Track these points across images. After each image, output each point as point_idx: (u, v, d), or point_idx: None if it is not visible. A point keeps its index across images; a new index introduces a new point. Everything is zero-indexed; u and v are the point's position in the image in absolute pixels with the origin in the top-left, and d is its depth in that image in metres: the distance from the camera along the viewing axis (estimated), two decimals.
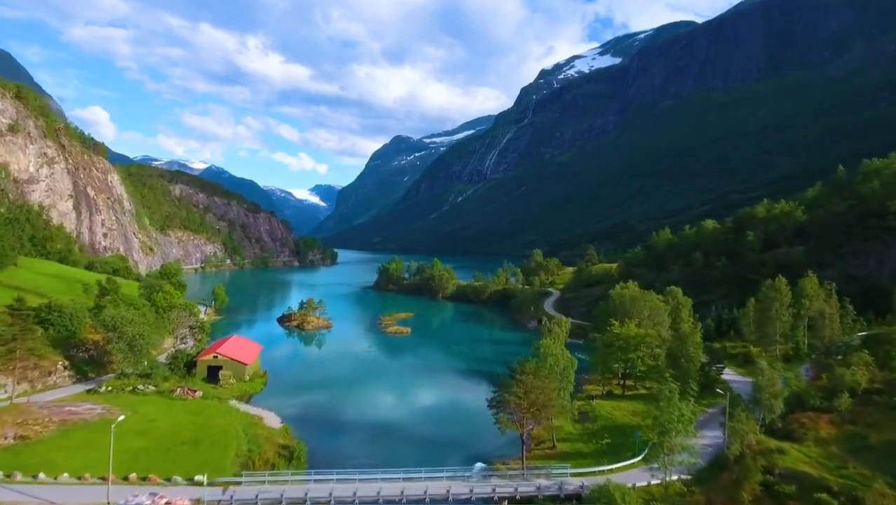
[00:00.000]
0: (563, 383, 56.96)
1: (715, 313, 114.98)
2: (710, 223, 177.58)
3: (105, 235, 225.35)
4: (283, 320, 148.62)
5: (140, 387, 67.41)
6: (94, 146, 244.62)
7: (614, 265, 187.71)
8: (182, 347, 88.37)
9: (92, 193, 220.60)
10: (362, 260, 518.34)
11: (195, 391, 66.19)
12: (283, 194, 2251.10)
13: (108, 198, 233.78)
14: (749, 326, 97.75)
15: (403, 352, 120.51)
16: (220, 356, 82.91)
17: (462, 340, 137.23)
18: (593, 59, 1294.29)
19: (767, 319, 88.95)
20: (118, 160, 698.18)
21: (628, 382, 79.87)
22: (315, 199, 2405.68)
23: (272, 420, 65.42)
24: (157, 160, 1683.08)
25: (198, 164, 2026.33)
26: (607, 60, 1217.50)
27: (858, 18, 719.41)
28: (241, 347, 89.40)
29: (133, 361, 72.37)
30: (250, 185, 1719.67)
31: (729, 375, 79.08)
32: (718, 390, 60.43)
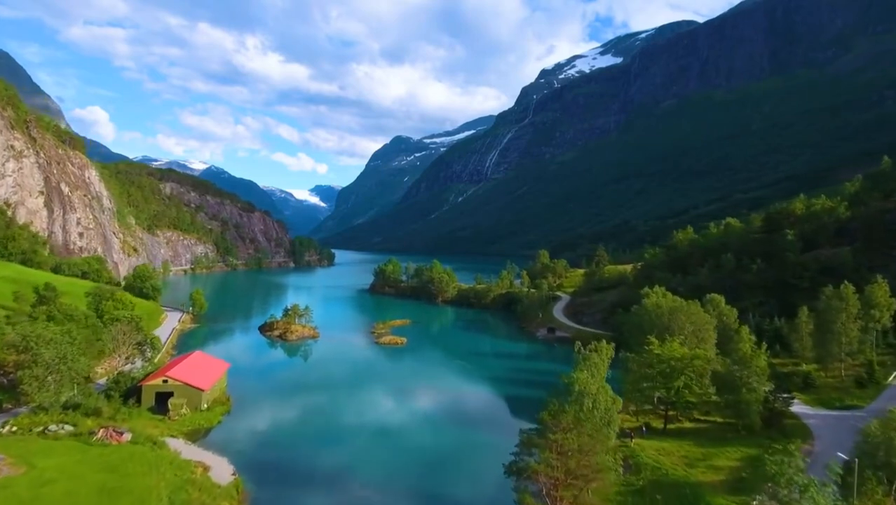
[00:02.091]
0: (605, 431, 42.28)
1: (753, 323, 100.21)
2: (729, 221, 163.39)
3: (81, 235, 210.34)
4: (264, 329, 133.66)
5: (52, 427, 52.57)
6: (70, 140, 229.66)
7: (629, 267, 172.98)
8: (129, 368, 73.57)
9: (66, 190, 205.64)
10: (361, 261, 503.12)
11: (122, 433, 51.39)
12: (282, 195, 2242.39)
13: (85, 195, 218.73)
14: (801, 340, 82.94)
15: (397, 368, 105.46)
16: (170, 380, 68.13)
17: (464, 352, 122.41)
18: (594, 58, 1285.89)
19: (831, 333, 74.22)
20: (118, 160, 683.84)
21: (668, 412, 65.01)
22: (315, 200, 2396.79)
23: (221, 470, 50.56)
24: (156, 160, 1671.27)
25: (198, 165, 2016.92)
26: (608, 60, 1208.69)
27: (862, 16, 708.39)
28: (200, 368, 74.51)
29: (54, 391, 57.65)
30: (250, 186, 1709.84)
31: (796, 406, 64.33)
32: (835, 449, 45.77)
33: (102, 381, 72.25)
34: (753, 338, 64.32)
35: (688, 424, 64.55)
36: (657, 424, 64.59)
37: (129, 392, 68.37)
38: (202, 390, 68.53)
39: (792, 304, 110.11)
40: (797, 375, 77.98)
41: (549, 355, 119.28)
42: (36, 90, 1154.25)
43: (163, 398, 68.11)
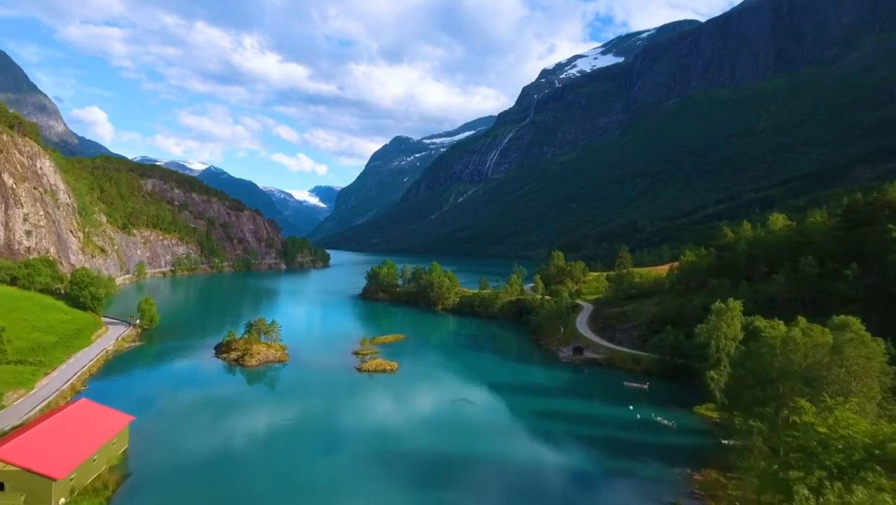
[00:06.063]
0: None
1: None
2: (778, 214, 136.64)
3: (28, 234, 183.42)
4: (221, 350, 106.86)
5: None
6: (19, 125, 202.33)
7: (663, 269, 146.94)
8: None
9: (10, 182, 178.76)
10: (358, 262, 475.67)
11: None
12: (282, 195, 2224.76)
13: (35, 188, 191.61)
14: None
15: (381, 414, 77.79)
16: None
17: (472, 382, 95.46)
18: (595, 58, 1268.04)
19: None
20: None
21: None
22: (314, 201, 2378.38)
23: None
24: (156, 160, 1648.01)
25: (197, 165, 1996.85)
26: (610, 59, 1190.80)
27: (870, 14, 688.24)
28: (69, 434, 47.75)
29: None
30: (249, 186, 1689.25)
31: None
32: None
33: None
34: None
35: None
36: None
37: None
38: (53, 479, 41.90)
39: None
40: None
41: (581, 387, 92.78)
42: (34, 89, 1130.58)
43: None
